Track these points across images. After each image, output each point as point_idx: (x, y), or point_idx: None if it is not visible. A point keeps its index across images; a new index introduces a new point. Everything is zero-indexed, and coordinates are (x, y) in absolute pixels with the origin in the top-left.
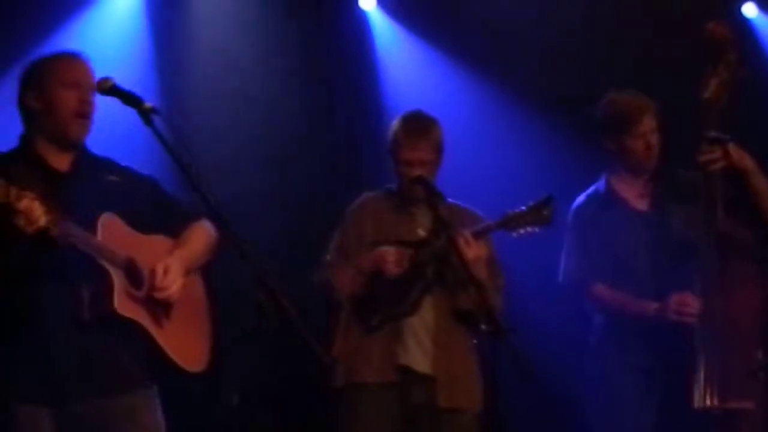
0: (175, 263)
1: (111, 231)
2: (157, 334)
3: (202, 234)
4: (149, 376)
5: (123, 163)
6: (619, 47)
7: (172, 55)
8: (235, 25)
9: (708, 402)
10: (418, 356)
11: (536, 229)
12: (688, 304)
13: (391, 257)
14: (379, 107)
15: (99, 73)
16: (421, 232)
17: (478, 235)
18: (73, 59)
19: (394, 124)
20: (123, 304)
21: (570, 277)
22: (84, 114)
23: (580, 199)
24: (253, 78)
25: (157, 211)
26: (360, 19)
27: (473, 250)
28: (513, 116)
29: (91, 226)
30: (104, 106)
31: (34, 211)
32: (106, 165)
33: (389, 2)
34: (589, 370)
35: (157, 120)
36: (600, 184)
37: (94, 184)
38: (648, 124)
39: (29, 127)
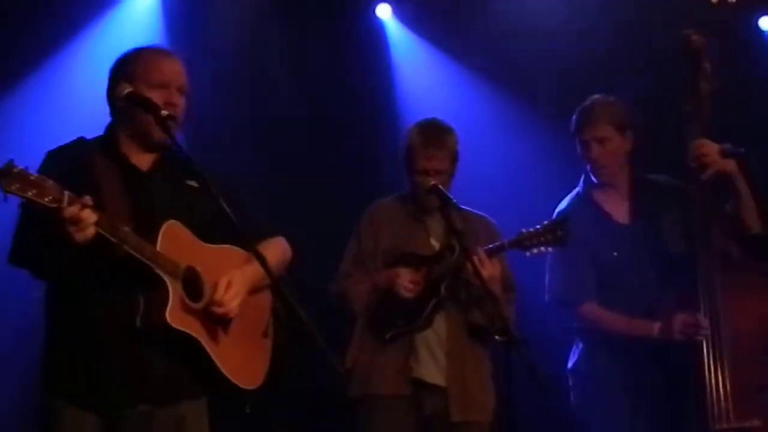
0: (239, 279)
1: (173, 240)
2: (211, 349)
3: (275, 251)
4: (199, 388)
5: (206, 168)
6: (637, 58)
7: (189, 60)
8: (251, 32)
9: (725, 423)
10: (431, 369)
11: (550, 249)
12: (693, 324)
13: (405, 280)
14: (394, 115)
15: None
16: (434, 243)
17: (491, 254)
18: (162, 58)
19: (410, 131)
20: (176, 316)
21: (556, 295)
22: (170, 116)
23: (563, 205)
24: (269, 85)
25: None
26: (376, 27)
27: (487, 270)
28: (527, 125)
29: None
30: None
31: (85, 219)
32: (189, 168)
33: (405, 11)
34: (580, 397)
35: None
36: (579, 190)
37: (171, 188)
38: (591, 132)
39: (115, 120)
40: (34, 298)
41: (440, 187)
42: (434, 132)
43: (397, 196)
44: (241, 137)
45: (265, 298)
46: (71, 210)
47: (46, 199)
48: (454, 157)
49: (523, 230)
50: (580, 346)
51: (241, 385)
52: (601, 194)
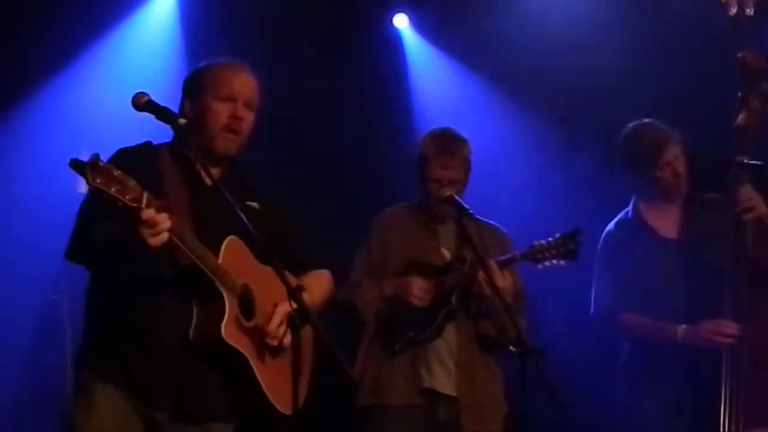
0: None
1: (234, 255)
2: (258, 369)
3: (324, 283)
4: (232, 412)
5: (270, 190)
6: (653, 78)
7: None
8: (267, 39)
9: (734, 429)
10: (442, 378)
11: (561, 263)
12: (722, 330)
13: (416, 290)
14: (409, 123)
15: (136, 85)
16: (445, 252)
17: (503, 266)
18: (231, 71)
19: (424, 140)
20: (230, 332)
21: (600, 309)
22: (233, 129)
23: (610, 226)
24: (285, 93)
25: (285, 247)
26: (393, 37)
27: (499, 282)
28: (541, 137)
29: (216, 247)
30: (139, 121)
31: (161, 223)
32: (251, 189)
33: (422, 22)
34: (618, 397)
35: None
36: (629, 210)
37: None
38: (672, 151)
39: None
40: (53, 300)
41: (456, 197)
42: (449, 142)
43: (408, 205)
44: (254, 143)
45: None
46: (149, 212)
47: (128, 198)
48: (468, 167)
49: (535, 243)
50: (627, 348)
51: (280, 409)
52: (654, 212)
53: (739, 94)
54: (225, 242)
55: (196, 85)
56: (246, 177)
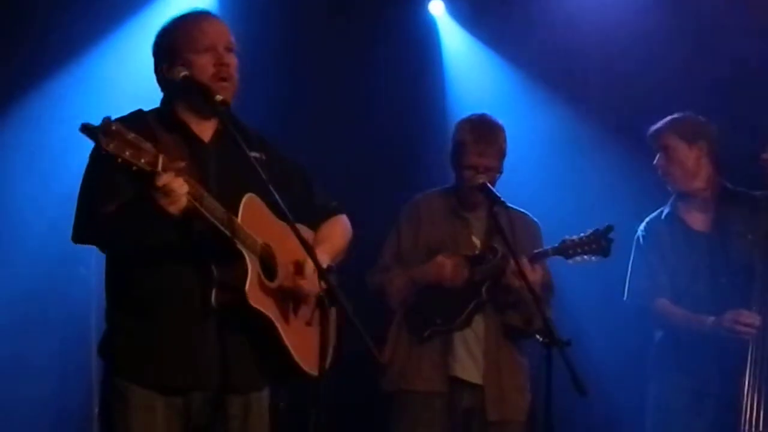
0: (323, 259)
1: (252, 213)
2: (284, 331)
3: (344, 230)
4: (265, 377)
5: (266, 138)
6: (691, 73)
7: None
8: (303, 25)
9: (753, 428)
10: (468, 366)
11: (593, 258)
12: (742, 320)
13: (448, 269)
14: (444, 111)
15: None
16: (476, 240)
17: (534, 260)
18: (203, 20)
19: (460, 127)
20: (255, 295)
21: (633, 297)
22: (224, 77)
23: (647, 219)
24: (321, 79)
25: (297, 198)
26: (429, 24)
27: (529, 275)
28: (576, 128)
29: (229, 204)
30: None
31: (178, 188)
32: (250, 138)
33: (458, 9)
34: (648, 387)
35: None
36: (666, 206)
37: (236, 159)
38: (655, 142)
39: (169, 95)
40: (82, 274)
41: (489, 185)
42: (486, 128)
43: (440, 190)
44: (290, 127)
45: None
46: (166, 177)
47: (143, 161)
48: (503, 155)
49: (566, 238)
50: (659, 335)
51: (307, 371)
52: (685, 204)
53: None
54: (243, 200)
55: (170, 44)
56: (241, 127)
